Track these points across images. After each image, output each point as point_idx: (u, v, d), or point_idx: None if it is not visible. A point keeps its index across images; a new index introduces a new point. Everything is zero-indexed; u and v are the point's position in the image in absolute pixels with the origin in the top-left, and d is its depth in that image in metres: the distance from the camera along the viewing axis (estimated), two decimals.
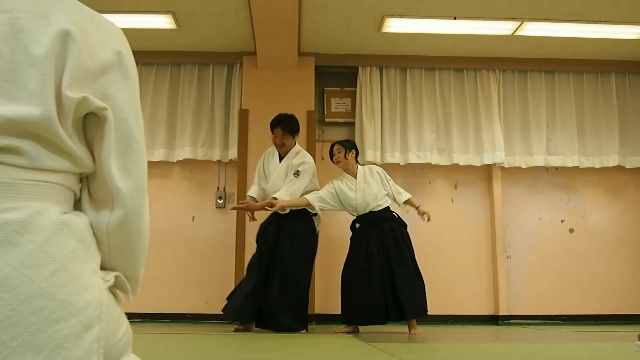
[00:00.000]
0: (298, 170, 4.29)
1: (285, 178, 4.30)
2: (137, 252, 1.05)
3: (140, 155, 1.02)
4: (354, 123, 5.64)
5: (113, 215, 0.99)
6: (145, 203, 1.04)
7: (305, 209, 4.27)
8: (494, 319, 5.49)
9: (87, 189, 1.02)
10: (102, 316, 0.92)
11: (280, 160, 4.41)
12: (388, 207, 4.36)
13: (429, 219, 4.39)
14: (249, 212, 4.38)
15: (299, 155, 4.40)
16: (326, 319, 5.04)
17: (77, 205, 1.02)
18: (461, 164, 5.62)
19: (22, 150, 0.88)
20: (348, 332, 4.14)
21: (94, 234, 1.00)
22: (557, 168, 5.78)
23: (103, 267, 1.02)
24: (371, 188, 4.32)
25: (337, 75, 5.82)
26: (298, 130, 4.44)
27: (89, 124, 0.99)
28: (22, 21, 0.90)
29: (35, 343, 0.82)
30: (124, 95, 1.01)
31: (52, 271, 0.85)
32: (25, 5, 0.91)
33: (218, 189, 5.57)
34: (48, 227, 0.87)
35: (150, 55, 5.58)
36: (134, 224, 1.01)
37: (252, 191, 4.47)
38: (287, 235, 4.22)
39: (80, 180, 1.02)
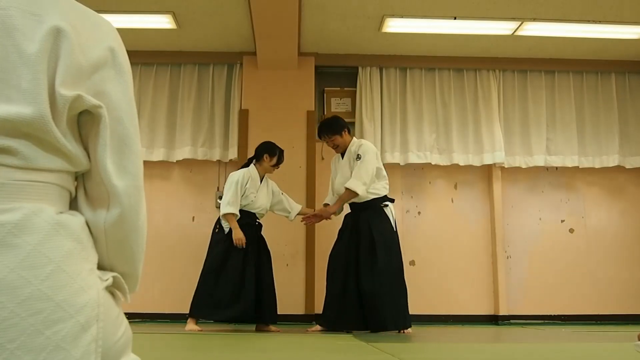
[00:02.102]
0: (359, 154, 4.27)
1: (350, 167, 4.32)
2: (135, 249, 1.04)
3: (136, 153, 1.01)
4: (354, 123, 5.63)
5: (110, 213, 0.99)
6: (142, 200, 1.03)
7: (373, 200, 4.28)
8: (494, 319, 5.49)
9: (82, 187, 1.02)
10: (99, 316, 0.92)
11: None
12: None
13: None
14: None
15: (355, 143, 4.40)
16: None
17: (73, 205, 1.01)
18: (461, 164, 5.63)
19: (16, 150, 0.88)
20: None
21: (91, 232, 0.99)
22: (557, 168, 5.78)
23: (101, 266, 1.01)
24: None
25: (337, 75, 5.82)
26: (342, 127, 4.42)
27: (84, 122, 0.98)
28: (14, 19, 0.89)
29: (33, 345, 0.82)
30: (118, 93, 1.00)
31: (49, 272, 0.85)
32: (17, 3, 0.90)
33: (218, 189, 5.57)
34: (44, 228, 0.87)
35: (150, 55, 5.58)
36: (131, 222, 1.01)
37: (327, 199, 4.56)
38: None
39: (76, 179, 1.02)
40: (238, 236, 4.29)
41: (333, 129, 4.38)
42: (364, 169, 4.19)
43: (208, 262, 4.37)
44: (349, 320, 4.11)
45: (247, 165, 4.58)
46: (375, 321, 4.01)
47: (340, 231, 4.42)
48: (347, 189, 4.20)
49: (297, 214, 4.66)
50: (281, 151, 4.54)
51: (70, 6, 0.98)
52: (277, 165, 4.53)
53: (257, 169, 4.51)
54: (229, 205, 4.32)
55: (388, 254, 4.11)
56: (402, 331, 4.07)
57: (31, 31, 0.90)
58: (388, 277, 4.05)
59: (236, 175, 4.43)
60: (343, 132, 4.39)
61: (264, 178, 4.56)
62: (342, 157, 4.43)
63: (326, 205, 4.50)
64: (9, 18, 0.89)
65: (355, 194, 4.18)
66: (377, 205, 4.26)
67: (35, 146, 0.90)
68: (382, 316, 3.99)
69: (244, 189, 4.39)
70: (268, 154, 4.49)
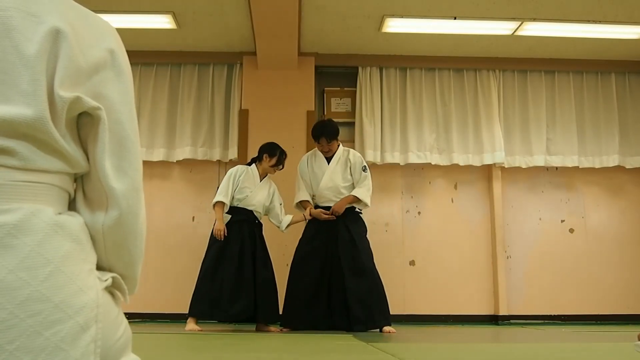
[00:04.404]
0: (365, 166, 4.45)
1: (343, 174, 4.41)
2: (134, 251, 1.04)
3: (135, 155, 1.01)
4: (354, 123, 5.64)
5: (108, 215, 0.98)
6: (141, 202, 1.03)
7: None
8: (494, 319, 5.50)
9: (81, 189, 1.02)
10: (98, 317, 0.92)
11: (328, 162, 4.48)
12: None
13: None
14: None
15: (351, 152, 4.53)
16: None
17: (72, 206, 1.01)
18: (461, 164, 5.63)
19: (15, 151, 0.88)
20: None
21: (90, 234, 0.99)
22: (557, 168, 5.79)
23: (100, 267, 1.01)
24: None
25: (337, 75, 5.82)
26: (339, 132, 4.52)
27: (83, 123, 0.98)
28: (14, 20, 0.89)
29: (32, 346, 0.82)
30: (117, 95, 1.00)
31: (48, 273, 0.85)
32: (16, 4, 0.90)
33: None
34: (42, 229, 0.87)
35: (150, 55, 5.58)
36: (129, 224, 1.00)
37: (305, 196, 4.52)
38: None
39: (75, 181, 1.01)
40: (218, 227, 4.33)
41: (335, 134, 4.44)
42: (369, 182, 4.39)
43: (206, 262, 4.38)
44: (320, 320, 4.21)
45: (250, 163, 4.60)
46: (363, 320, 4.10)
47: (311, 234, 4.42)
48: (356, 197, 4.33)
49: (289, 225, 4.57)
50: (282, 152, 4.51)
51: (69, 7, 0.97)
52: (276, 166, 4.51)
53: (257, 168, 4.53)
54: (219, 195, 4.43)
55: (368, 256, 4.26)
56: (383, 330, 4.12)
57: (30, 32, 0.90)
58: (373, 278, 4.19)
59: (232, 169, 4.53)
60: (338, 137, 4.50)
61: (267, 178, 4.56)
62: (328, 161, 4.46)
63: (304, 202, 4.50)
64: (8, 19, 0.89)
65: (359, 201, 4.34)
66: (355, 212, 4.42)
67: (34, 147, 0.90)
68: (371, 316, 4.11)
69: (237, 182, 4.43)
70: (267, 154, 4.50)
